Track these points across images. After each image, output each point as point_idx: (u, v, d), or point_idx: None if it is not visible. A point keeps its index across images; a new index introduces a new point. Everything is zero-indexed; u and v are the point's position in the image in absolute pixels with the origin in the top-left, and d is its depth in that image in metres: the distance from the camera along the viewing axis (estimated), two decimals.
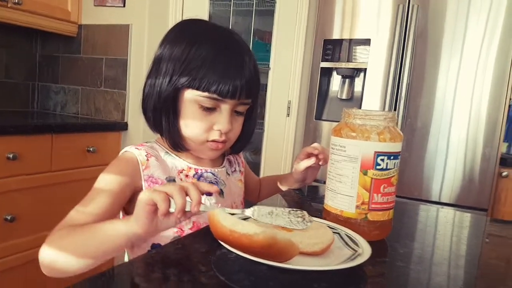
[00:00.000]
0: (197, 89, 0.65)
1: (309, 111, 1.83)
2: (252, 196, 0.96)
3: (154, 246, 0.69)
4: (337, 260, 0.49)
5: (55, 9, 1.85)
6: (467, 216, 0.87)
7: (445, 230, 0.75)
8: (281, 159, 1.96)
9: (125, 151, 0.71)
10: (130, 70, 1.90)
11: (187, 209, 0.49)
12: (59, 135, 1.58)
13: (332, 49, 1.76)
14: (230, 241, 0.45)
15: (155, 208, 0.49)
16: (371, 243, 0.52)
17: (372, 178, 0.55)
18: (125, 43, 1.90)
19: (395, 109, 1.62)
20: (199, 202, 0.49)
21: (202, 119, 0.68)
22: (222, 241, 0.48)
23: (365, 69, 1.69)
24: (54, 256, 0.55)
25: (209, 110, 0.67)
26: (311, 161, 0.81)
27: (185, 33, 0.69)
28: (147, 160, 0.69)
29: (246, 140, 0.78)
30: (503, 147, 1.75)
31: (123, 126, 1.90)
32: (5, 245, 1.43)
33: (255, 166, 1.99)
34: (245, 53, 0.69)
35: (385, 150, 0.55)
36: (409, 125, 1.62)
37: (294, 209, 0.54)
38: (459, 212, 0.89)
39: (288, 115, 1.95)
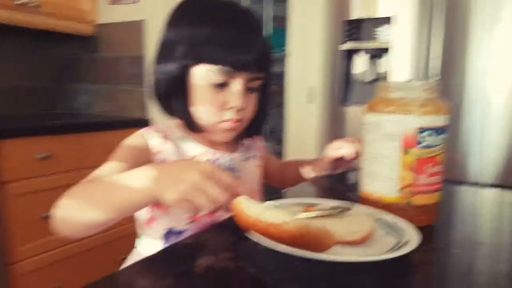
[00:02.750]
0: (206, 63, 0.62)
1: (332, 97, 1.75)
2: (276, 181, 0.91)
3: (169, 231, 0.66)
4: (381, 249, 0.44)
5: (72, 10, 1.85)
6: None
7: (498, 212, 0.67)
8: (305, 149, 1.90)
9: (140, 135, 0.68)
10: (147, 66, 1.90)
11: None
12: (86, 134, 1.60)
13: (353, 29, 1.68)
14: (257, 232, 0.41)
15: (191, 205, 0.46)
16: (417, 229, 0.46)
17: (415, 157, 0.50)
18: (141, 39, 1.88)
19: None
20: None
21: (213, 97, 0.64)
22: (248, 231, 0.43)
23: (389, 48, 1.60)
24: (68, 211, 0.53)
25: (221, 87, 0.64)
26: (337, 154, 0.75)
27: (186, 14, 0.66)
28: (163, 143, 0.66)
29: (261, 121, 0.73)
30: None
31: (146, 123, 1.90)
32: (47, 239, 1.46)
33: (280, 157, 1.94)
34: (254, 26, 0.65)
35: (429, 125, 0.49)
36: None
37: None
38: (509, 192, 0.81)
39: (310, 102, 1.88)
